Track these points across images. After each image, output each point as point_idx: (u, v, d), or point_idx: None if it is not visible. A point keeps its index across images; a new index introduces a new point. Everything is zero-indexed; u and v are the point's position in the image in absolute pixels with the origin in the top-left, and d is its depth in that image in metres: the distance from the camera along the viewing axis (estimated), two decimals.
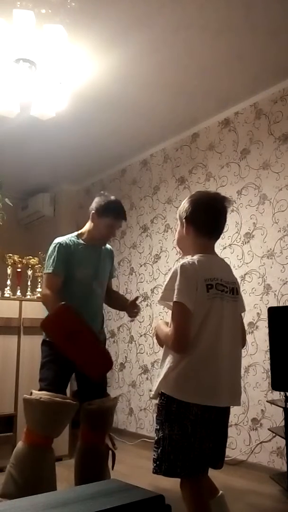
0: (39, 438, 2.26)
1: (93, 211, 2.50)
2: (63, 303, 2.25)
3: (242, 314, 1.87)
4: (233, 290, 1.77)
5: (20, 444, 2.30)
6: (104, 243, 2.61)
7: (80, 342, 2.23)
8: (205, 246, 1.80)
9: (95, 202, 2.51)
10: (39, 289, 3.67)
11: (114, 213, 2.49)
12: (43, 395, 2.27)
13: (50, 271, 2.41)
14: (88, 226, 2.55)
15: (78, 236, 2.55)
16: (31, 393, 2.32)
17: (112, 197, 2.53)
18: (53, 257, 2.43)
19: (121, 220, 2.54)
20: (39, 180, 5.25)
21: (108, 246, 2.68)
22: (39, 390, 2.32)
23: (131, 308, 2.70)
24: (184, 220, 1.81)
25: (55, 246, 2.46)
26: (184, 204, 1.83)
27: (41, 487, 2.13)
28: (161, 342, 1.80)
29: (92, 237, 2.53)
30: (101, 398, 2.49)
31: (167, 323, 1.74)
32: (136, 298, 2.76)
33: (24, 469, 2.21)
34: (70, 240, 2.49)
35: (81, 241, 2.52)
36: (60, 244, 2.46)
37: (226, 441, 1.81)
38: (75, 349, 2.23)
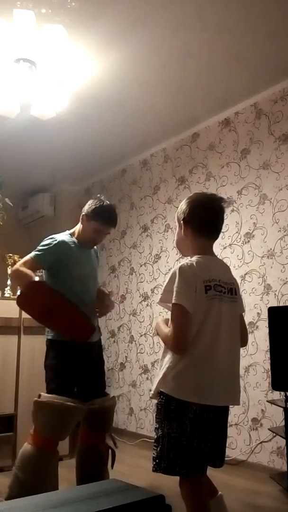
0: (47, 441, 2.24)
1: (83, 213, 2.47)
2: (35, 279, 2.25)
3: (243, 314, 1.88)
4: (232, 290, 1.78)
5: (27, 447, 2.25)
6: (91, 246, 2.59)
7: (59, 314, 2.28)
8: (204, 247, 1.81)
9: (88, 205, 2.48)
10: None
11: (103, 218, 2.44)
12: (54, 398, 2.24)
13: (33, 256, 2.39)
14: (78, 227, 2.54)
15: (71, 235, 2.54)
16: (39, 396, 2.29)
17: (106, 202, 2.47)
18: (45, 247, 2.40)
19: (109, 226, 2.49)
20: (39, 180, 5.25)
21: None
22: (48, 393, 2.29)
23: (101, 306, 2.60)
24: (182, 221, 1.83)
25: (55, 242, 2.42)
26: (182, 206, 1.84)
27: (46, 489, 2.10)
28: None
29: (80, 239, 2.52)
30: (101, 397, 2.49)
31: (166, 321, 1.75)
32: (109, 293, 2.78)
33: (32, 472, 2.18)
34: (66, 238, 2.49)
35: (74, 239, 2.52)
36: (58, 241, 2.43)
37: (226, 440, 1.81)
38: (56, 321, 2.30)
